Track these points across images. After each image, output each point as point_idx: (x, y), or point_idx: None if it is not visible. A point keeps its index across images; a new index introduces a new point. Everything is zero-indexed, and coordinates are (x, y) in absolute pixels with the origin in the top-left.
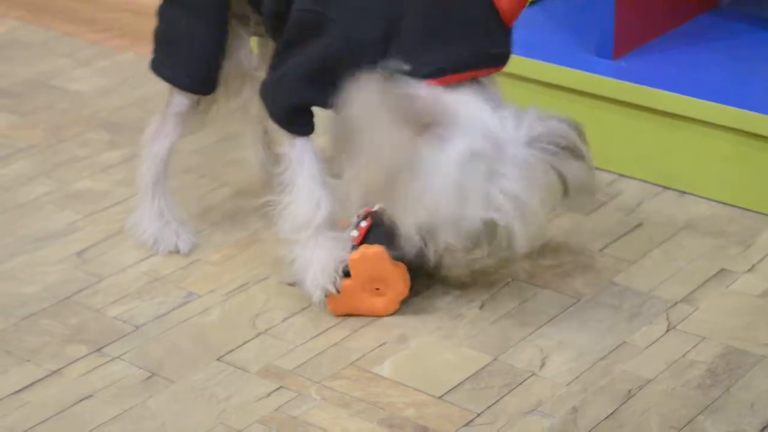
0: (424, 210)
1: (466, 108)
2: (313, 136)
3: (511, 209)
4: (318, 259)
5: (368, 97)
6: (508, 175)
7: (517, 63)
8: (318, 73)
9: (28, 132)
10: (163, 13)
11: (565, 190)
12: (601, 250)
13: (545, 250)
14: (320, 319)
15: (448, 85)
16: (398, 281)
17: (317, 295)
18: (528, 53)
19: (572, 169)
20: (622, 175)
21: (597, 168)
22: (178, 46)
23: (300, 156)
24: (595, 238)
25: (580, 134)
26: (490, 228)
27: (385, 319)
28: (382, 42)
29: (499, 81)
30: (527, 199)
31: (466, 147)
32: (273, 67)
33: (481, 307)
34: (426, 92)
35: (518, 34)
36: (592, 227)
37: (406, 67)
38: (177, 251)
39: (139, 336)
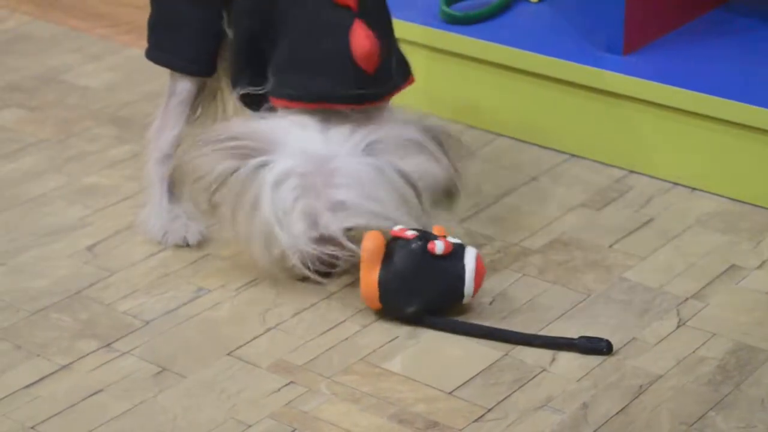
0: (261, 237)
1: (285, 134)
2: None
3: (351, 218)
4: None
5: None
6: (341, 187)
7: (526, 59)
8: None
9: (38, 127)
10: (155, 0)
11: (414, 188)
12: (611, 246)
13: (555, 245)
14: (330, 314)
15: (295, 109)
16: None
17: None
18: (538, 49)
19: (419, 166)
20: (632, 171)
21: (606, 164)
22: (174, 30)
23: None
24: (605, 233)
25: (436, 134)
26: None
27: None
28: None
29: (513, 79)
30: (366, 204)
31: (279, 169)
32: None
33: (492, 302)
34: (242, 128)
35: (528, 29)
36: (603, 223)
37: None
38: (185, 244)
39: (150, 331)
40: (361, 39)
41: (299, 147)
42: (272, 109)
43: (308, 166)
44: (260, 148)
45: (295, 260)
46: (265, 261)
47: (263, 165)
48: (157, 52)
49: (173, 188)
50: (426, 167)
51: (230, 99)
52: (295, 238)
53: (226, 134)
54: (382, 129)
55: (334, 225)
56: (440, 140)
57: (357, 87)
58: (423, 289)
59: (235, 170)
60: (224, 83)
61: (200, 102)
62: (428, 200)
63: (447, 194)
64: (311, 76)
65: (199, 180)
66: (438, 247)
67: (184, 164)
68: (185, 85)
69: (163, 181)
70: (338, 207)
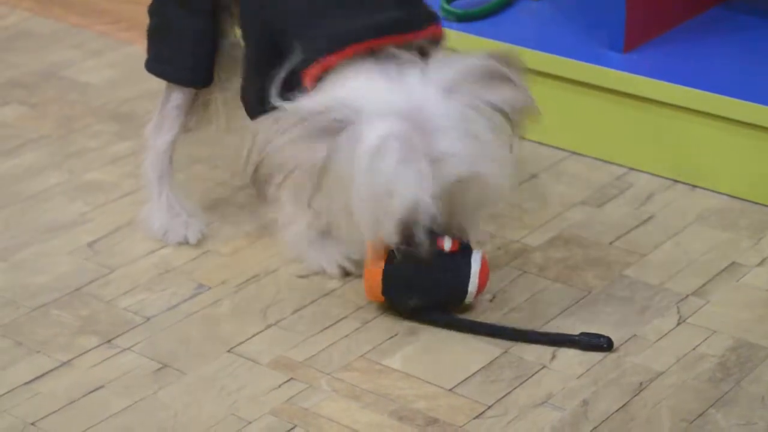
0: (370, 216)
1: (361, 95)
2: None
3: (462, 164)
4: (324, 248)
5: (270, 139)
6: (442, 133)
7: (527, 56)
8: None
9: (38, 123)
10: (154, 9)
11: (508, 118)
12: (611, 242)
13: (556, 242)
14: (331, 311)
15: (347, 58)
16: None
17: (337, 272)
18: (538, 46)
19: (504, 94)
20: (632, 169)
21: (607, 161)
22: (173, 41)
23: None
24: (605, 230)
25: (503, 60)
26: (449, 202)
27: (395, 312)
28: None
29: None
30: (474, 147)
31: (374, 136)
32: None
33: (492, 299)
34: (316, 103)
35: (529, 27)
36: (603, 220)
37: (299, 52)
38: (186, 242)
39: (150, 327)
40: None
41: (382, 105)
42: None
43: (401, 123)
44: (343, 117)
45: (414, 227)
46: (381, 235)
47: (355, 137)
48: (155, 63)
49: (261, 189)
50: (510, 95)
51: (224, 107)
52: (409, 203)
53: (302, 112)
54: (453, 63)
55: (443, 177)
56: (513, 65)
57: (397, 10)
58: (427, 284)
59: (331, 152)
60: (217, 90)
61: (195, 110)
62: (519, 128)
63: (529, 118)
64: (343, 19)
65: (292, 172)
66: (446, 243)
67: (268, 158)
68: (180, 95)
69: (162, 178)
70: (444, 157)
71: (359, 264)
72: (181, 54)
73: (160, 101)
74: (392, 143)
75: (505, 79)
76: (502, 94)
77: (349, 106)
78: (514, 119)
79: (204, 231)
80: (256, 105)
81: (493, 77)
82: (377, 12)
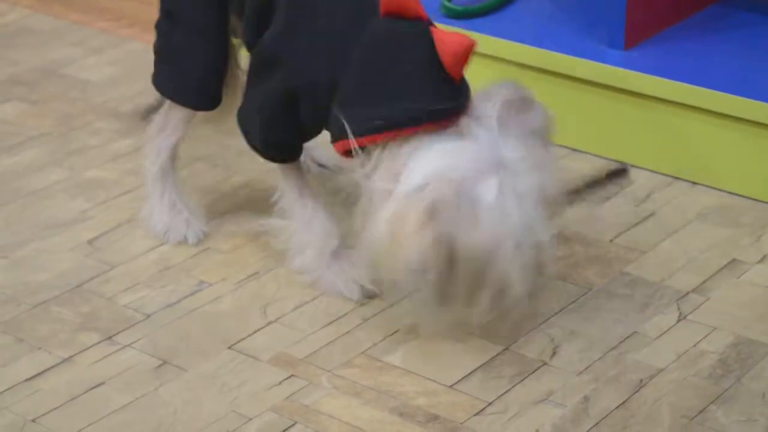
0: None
1: (450, 165)
2: (298, 161)
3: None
4: (341, 271)
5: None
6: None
7: (528, 53)
8: (277, 110)
9: (39, 120)
10: (162, 28)
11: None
12: (612, 240)
13: (557, 240)
14: (331, 308)
15: (390, 140)
16: None
17: (357, 293)
18: (539, 44)
19: (539, 119)
20: (633, 166)
21: (607, 158)
22: (181, 63)
23: (291, 184)
24: (606, 228)
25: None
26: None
27: (396, 308)
28: (328, 87)
29: (513, 73)
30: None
31: (490, 198)
32: (245, 95)
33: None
34: (413, 183)
35: (529, 24)
36: (604, 217)
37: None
38: (186, 241)
39: (151, 324)
40: (452, 39)
41: (474, 166)
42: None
43: (500, 178)
44: (451, 201)
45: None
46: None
47: (472, 220)
48: (164, 83)
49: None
50: (542, 117)
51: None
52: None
53: (407, 194)
54: (493, 100)
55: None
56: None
57: (448, 98)
58: None
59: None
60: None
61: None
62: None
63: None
64: (396, 99)
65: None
66: None
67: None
68: (184, 111)
69: (164, 176)
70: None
71: (378, 284)
72: (193, 78)
73: (167, 104)
74: (507, 199)
75: (533, 102)
76: (538, 120)
77: (457, 192)
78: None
79: (205, 231)
80: (266, 147)
81: (526, 104)
82: (413, 100)
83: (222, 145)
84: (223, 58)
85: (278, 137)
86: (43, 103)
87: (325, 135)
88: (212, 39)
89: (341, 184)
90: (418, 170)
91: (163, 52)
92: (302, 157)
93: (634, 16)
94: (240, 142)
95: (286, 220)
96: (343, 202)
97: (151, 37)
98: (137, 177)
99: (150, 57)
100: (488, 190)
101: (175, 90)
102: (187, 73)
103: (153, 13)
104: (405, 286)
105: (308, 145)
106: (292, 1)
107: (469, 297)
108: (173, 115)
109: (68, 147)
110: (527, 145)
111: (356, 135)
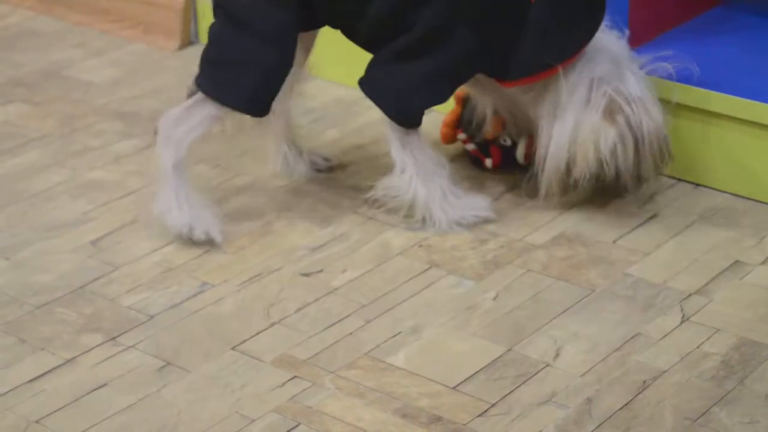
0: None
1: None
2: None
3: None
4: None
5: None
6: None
7: None
8: (448, 77)
9: (42, 122)
10: (221, 34)
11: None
12: (614, 241)
13: (559, 241)
14: (334, 309)
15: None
16: None
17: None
18: None
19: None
20: None
21: None
22: (244, 70)
23: (420, 146)
24: (608, 229)
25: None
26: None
27: (398, 309)
28: (509, 37)
29: None
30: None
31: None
32: (389, 72)
33: (495, 297)
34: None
35: None
36: (606, 219)
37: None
38: (211, 240)
39: (154, 325)
40: None
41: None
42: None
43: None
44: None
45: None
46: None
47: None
48: (214, 87)
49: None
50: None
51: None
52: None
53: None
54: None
55: None
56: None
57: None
58: None
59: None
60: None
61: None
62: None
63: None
64: (575, 26)
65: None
66: (487, 163)
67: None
68: (221, 113)
69: (181, 172)
70: None
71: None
72: (251, 85)
73: (194, 99)
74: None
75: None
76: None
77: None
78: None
79: (223, 230)
80: (420, 114)
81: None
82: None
83: (224, 146)
84: (289, 67)
85: (438, 102)
86: (46, 105)
87: (329, 136)
88: (282, 47)
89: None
90: (582, 83)
91: (222, 59)
92: (308, 156)
93: (637, 18)
94: (243, 143)
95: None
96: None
97: (152, 38)
98: (139, 178)
99: (152, 58)
100: (636, 88)
101: (230, 96)
102: (247, 80)
103: (155, 14)
104: (587, 180)
105: (313, 146)
106: None
107: (648, 172)
108: (203, 111)
109: (70, 148)
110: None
111: (533, 73)
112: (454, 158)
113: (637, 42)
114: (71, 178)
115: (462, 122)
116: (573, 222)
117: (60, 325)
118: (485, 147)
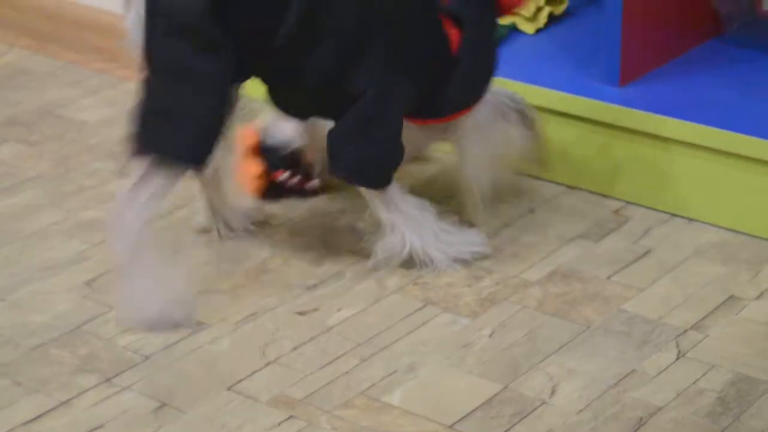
0: None
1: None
2: None
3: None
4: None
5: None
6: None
7: (523, 90)
8: (401, 129)
9: (36, 161)
10: (152, 85)
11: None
12: (609, 277)
13: (554, 277)
14: (330, 348)
15: None
16: None
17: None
18: (534, 80)
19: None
20: (629, 203)
21: (604, 195)
22: (178, 119)
23: (400, 197)
24: (603, 265)
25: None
26: None
27: (394, 347)
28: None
29: None
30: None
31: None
32: (354, 145)
33: (491, 335)
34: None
35: (524, 61)
36: (601, 254)
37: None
38: (180, 326)
39: (149, 366)
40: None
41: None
42: None
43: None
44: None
45: None
46: None
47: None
48: (148, 140)
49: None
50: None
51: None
52: None
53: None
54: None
55: None
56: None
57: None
58: None
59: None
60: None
61: None
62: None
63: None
64: (488, 64)
65: None
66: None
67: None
68: (172, 174)
69: (141, 253)
70: None
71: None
72: (191, 134)
73: (139, 174)
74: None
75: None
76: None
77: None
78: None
79: (197, 311)
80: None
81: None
82: None
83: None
84: (226, 117)
85: (403, 153)
86: (40, 144)
87: None
88: (217, 91)
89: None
90: (492, 103)
91: (153, 110)
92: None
93: (630, 52)
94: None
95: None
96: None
97: None
98: None
99: None
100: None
101: (166, 147)
102: (183, 129)
103: None
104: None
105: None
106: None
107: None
108: (151, 183)
109: (65, 188)
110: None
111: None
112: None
113: (629, 77)
114: (66, 218)
115: (267, 156)
116: (568, 258)
117: (55, 367)
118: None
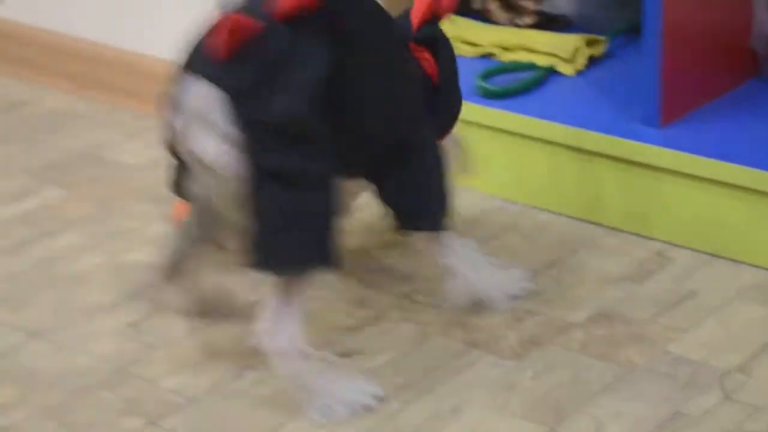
0: None
1: None
2: None
3: None
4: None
5: None
6: None
7: (562, 132)
8: None
9: (78, 204)
10: (267, 194)
11: None
12: (653, 318)
13: (597, 319)
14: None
15: None
16: None
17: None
18: (574, 122)
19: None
20: (672, 244)
21: (646, 236)
22: (302, 224)
23: (456, 240)
24: (646, 306)
25: None
26: None
27: (437, 390)
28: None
29: (550, 152)
30: None
31: None
32: (417, 192)
33: (535, 377)
34: None
35: (564, 103)
36: (644, 296)
37: None
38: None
39: (194, 408)
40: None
41: None
42: None
43: None
44: None
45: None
46: None
47: None
48: (282, 253)
49: None
50: None
51: None
52: None
53: None
54: None
55: None
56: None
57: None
58: None
59: None
60: None
61: None
62: None
63: None
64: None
65: None
66: None
67: None
68: (305, 282)
69: (308, 357)
70: None
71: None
72: (318, 238)
73: (275, 301)
74: None
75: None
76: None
77: None
78: None
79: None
80: None
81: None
82: None
83: None
84: (341, 208)
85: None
86: (82, 187)
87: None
88: (331, 188)
89: None
90: None
91: (276, 221)
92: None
93: (669, 93)
94: None
95: None
96: None
97: None
98: None
99: None
100: None
101: (303, 257)
102: (312, 234)
103: None
104: None
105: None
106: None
107: None
108: (294, 290)
109: (107, 230)
110: None
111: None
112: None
113: (670, 118)
114: (109, 260)
115: None
116: (611, 299)
117: (100, 409)
118: None
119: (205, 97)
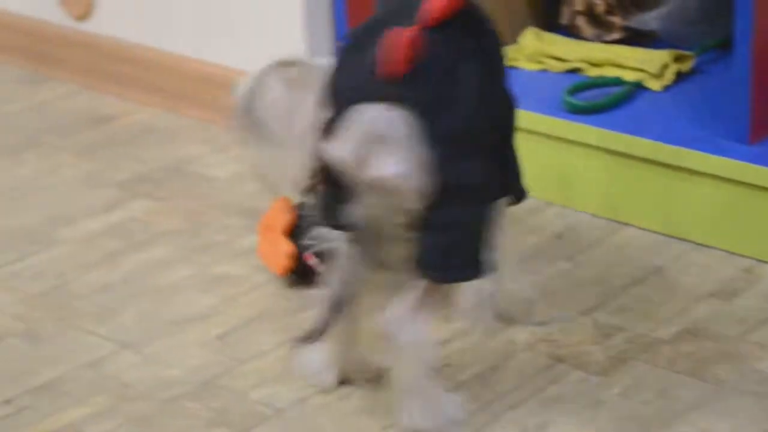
0: None
1: None
2: None
3: None
4: None
5: None
6: None
7: (650, 147)
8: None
9: (166, 217)
10: (468, 212)
11: None
12: (742, 336)
13: (685, 335)
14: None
15: None
16: None
17: None
18: (661, 137)
19: None
20: (761, 261)
21: (734, 253)
22: (466, 236)
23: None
24: (735, 324)
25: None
26: None
27: (524, 405)
28: None
29: (637, 168)
30: None
31: None
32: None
33: (622, 393)
34: None
35: (652, 119)
36: (732, 313)
37: None
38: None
39: (281, 419)
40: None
41: None
42: None
43: None
44: None
45: None
46: None
47: None
48: (456, 268)
49: None
50: None
51: None
52: None
53: None
54: None
55: None
56: None
57: None
58: None
59: None
60: None
61: None
62: None
63: None
64: None
65: None
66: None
67: None
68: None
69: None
70: None
71: None
72: (475, 249)
73: (418, 295)
74: None
75: None
76: None
77: None
78: None
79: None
80: None
81: None
82: None
83: None
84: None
85: None
86: (170, 200)
87: None
88: (493, 200)
89: None
90: None
91: (457, 234)
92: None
93: (759, 109)
94: None
95: None
96: None
97: None
98: (264, 273)
99: None
100: None
101: (475, 267)
102: (472, 245)
103: None
104: None
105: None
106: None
107: None
108: (441, 292)
109: (196, 243)
110: None
111: None
112: None
113: (760, 135)
114: (197, 273)
115: (300, 234)
116: (698, 316)
117: (190, 420)
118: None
119: (386, 119)
